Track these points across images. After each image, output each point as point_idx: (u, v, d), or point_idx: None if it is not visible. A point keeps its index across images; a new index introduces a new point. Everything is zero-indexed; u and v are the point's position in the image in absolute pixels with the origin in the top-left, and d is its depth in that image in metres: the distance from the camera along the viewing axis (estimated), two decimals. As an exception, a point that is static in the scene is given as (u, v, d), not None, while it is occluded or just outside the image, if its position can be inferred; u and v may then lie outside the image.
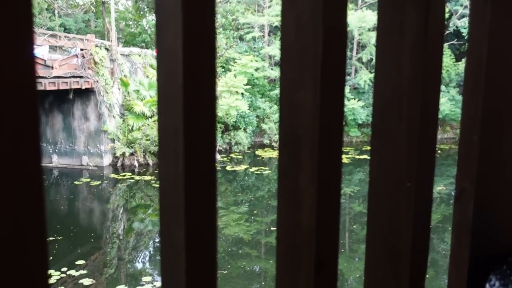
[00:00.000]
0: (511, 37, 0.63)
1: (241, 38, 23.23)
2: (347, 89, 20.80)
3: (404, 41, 0.57)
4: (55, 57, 14.27)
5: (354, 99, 20.37)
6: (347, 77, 22.48)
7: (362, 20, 20.23)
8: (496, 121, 0.66)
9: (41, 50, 14.00)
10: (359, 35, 21.73)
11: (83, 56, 14.91)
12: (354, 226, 10.96)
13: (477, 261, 0.68)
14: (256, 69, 20.01)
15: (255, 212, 12.08)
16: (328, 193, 0.51)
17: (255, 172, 15.51)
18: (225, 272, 8.71)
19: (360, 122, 20.36)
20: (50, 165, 15.66)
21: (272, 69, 21.16)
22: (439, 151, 18.79)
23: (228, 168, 16.03)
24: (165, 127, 0.43)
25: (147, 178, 14.36)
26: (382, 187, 0.59)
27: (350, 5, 22.13)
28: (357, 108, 19.76)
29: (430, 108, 0.58)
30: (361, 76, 21.25)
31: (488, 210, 0.67)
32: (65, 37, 15.39)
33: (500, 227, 0.69)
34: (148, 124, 15.60)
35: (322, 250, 0.50)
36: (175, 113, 0.41)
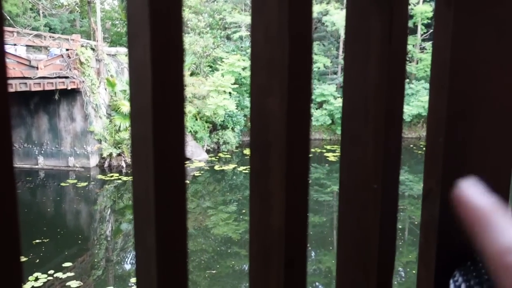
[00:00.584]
0: (473, 43, 0.66)
1: (228, 38, 23.23)
2: (333, 88, 20.94)
3: (370, 47, 0.60)
4: (39, 58, 14.10)
5: (341, 97, 20.45)
6: (334, 76, 22.66)
7: (348, 19, 20.31)
8: (460, 124, 0.69)
9: (18, 50, 13.81)
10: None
11: (69, 56, 14.77)
12: (342, 224, 11.02)
13: (444, 258, 0.71)
14: (244, 69, 20.02)
15: (244, 211, 12.11)
16: (297, 195, 0.53)
17: (243, 171, 15.53)
18: (214, 271, 8.73)
19: (347, 120, 20.46)
20: (36, 166, 15.50)
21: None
22: (424, 148, 18.98)
23: (217, 167, 16.02)
24: (136, 136, 0.45)
25: (135, 178, 14.26)
26: (350, 188, 0.62)
27: (335, 4, 22.29)
28: (344, 106, 19.84)
29: (395, 112, 0.61)
30: (348, 75, 21.37)
31: (454, 209, 0.70)
32: (50, 37, 15.23)
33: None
34: (135, 125, 15.48)
35: (291, 250, 0.53)
36: (145, 121, 0.43)
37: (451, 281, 0.63)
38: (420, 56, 22.75)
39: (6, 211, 0.36)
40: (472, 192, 0.19)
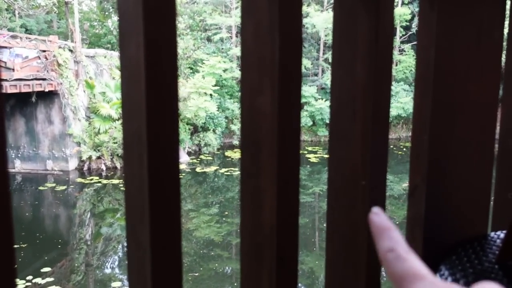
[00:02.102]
0: (456, 43, 0.68)
1: (208, 39, 23.17)
2: (314, 89, 21.08)
3: (358, 48, 0.61)
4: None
5: (322, 99, 20.66)
6: (315, 77, 22.82)
7: (328, 21, 20.56)
8: (444, 122, 0.71)
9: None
10: (325, 35, 22.07)
11: (46, 58, 14.51)
12: (324, 225, 11.13)
13: (430, 254, 0.72)
14: (224, 70, 20.00)
15: (226, 213, 12.08)
16: (288, 193, 0.54)
17: (225, 173, 15.50)
18: (196, 274, 8.67)
19: (327, 121, 20.66)
20: (13, 170, 15.15)
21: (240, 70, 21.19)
22: (404, 149, 19.34)
23: (198, 169, 15.95)
24: (129, 132, 0.44)
25: (115, 181, 14.10)
26: (339, 185, 0.63)
27: (316, 7, 22.47)
28: (325, 107, 20.04)
29: (382, 110, 0.62)
30: (328, 76, 21.58)
31: (439, 205, 0.72)
32: (26, 38, 14.93)
33: (451, 221, 0.74)
34: (115, 127, 15.32)
35: (283, 247, 0.53)
36: (139, 119, 0.43)
37: (437, 275, 0.64)
38: (399, 58, 23.10)
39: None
40: (378, 216, 0.30)
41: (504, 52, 0.85)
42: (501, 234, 0.75)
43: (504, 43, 0.83)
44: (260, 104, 0.52)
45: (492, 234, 0.76)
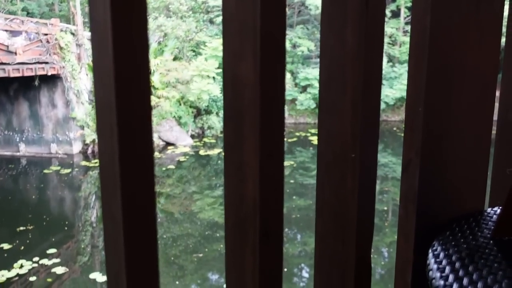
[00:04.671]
0: (452, 9, 0.65)
1: (211, 21, 22.93)
2: (317, 72, 20.87)
3: (347, 12, 0.58)
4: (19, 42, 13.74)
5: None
6: (318, 60, 22.51)
7: None
8: (440, 92, 0.68)
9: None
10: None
11: (48, 41, 14.43)
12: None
13: (423, 229, 0.70)
14: (227, 52, 19.77)
15: (230, 195, 12.10)
16: (272, 166, 0.51)
17: (229, 155, 15.46)
18: (201, 255, 8.76)
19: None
20: (18, 154, 15.23)
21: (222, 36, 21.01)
22: (402, 135, 19.20)
23: (201, 152, 15.97)
24: (99, 102, 0.42)
25: (119, 164, 14.13)
26: (329, 158, 0.60)
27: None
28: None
29: (373, 80, 0.59)
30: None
31: (433, 179, 0.70)
32: (28, 21, 14.83)
33: (445, 196, 0.71)
34: (119, 110, 15.27)
35: (267, 221, 0.51)
36: (108, 87, 0.41)
37: (429, 250, 0.62)
38: (403, 39, 22.79)
39: None
40: None
41: (505, 22, 0.81)
42: (498, 210, 0.73)
43: (506, 13, 0.79)
44: (242, 71, 0.50)
45: (489, 210, 0.74)
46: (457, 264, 0.55)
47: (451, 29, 0.67)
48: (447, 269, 0.54)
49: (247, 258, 0.52)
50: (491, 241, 0.62)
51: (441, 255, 0.59)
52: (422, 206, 0.70)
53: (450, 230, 0.67)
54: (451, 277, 0.52)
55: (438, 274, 0.53)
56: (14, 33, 13.70)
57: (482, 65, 0.69)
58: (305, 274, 8.36)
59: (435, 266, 0.56)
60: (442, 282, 0.51)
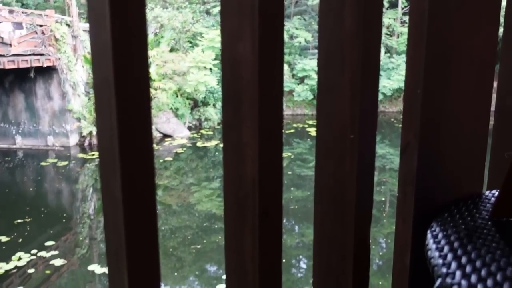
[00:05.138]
0: (451, -9, 0.64)
1: (207, 12, 22.80)
2: (315, 63, 20.82)
3: None
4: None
5: (323, 72, 20.40)
6: (315, 51, 22.49)
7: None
8: (438, 75, 0.68)
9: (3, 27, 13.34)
10: None
11: (43, 33, 14.32)
12: (325, 197, 11.16)
13: (422, 212, 0.71)
14: (224, 44, 19.67)
15: (227, 187, 12.11)
16: (271, 145, 0.51)
17: (226, 147, 15.46)
18: (199, 246, 8.78)
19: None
20: (14, 146, 15.18)
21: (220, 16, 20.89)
22: (400, 126, 19.22)
23: (199, 144, 15.96)
24: (98, 80, 0.42)
25: (117, 157, 14.10)
26: (327, 140, 0.60)
27: (317, -23, 21.98)
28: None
29: (372, 61, 0.59)
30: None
31: (431, 162, 0.70)
32: (22, 12, 14.71)
33: (443, 179, 0.71)
34: (115, 102, 15.20)
35: (266, 201, 0.51)
36: (106, 64, 0.40)
37: (428, 231, 0.63)
38: (401, 30, 22.72)
39: None
40: None
41: (504, 3, 0.81)
42: (496, 193, 0.73)
43: (504, 3, 0.79)
44: (241, 52, 0.49)
45: (487, 192, 0.74)
46: (456, 244, 0.55)
47: (449, 13, 0.66)
48: (446, 248, 0.54)
49: (246, 238, 0.52)
50: (489, 222, 0.62)
51: (440, 235, 0.59)
52: (421, 189, 0.70)
53: (449, 212, 0.67)
54: (449, 256, 0.52)
55: (436, 254, 0.54)
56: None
57: (480, 50, 0.69)
58: (303, 265, 8.40)
59: (433, 246, 0.56)
60: (440, 261, 0.51)
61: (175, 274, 7.89)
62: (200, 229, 9.74)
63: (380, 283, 7.05)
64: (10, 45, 12.87)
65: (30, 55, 13.60)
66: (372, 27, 0.58)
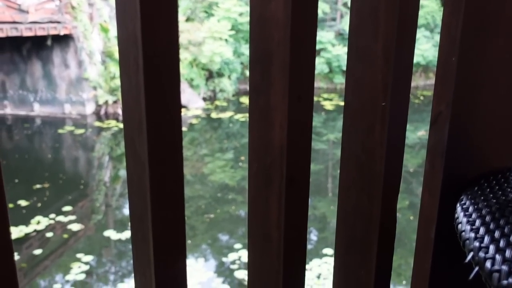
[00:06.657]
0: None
1: (224, -19, 22.37)
2: (332, 35, 20.46)
3: None
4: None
5: (339, 45, 20.07)
6: (332, 23, 22.05)
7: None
8: (475, 42, 0.64)
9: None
10: (346, -23, 21.12)
11: (60, 0, 14.26)
12: (338, 171, 11.17)
13: (450, 184, 0.69)
14: (240, 14, 19.43)
15: (241, 158, 12.19)
16: (300, 109, 0.49)
17: (240, 119, 15.48)
18: (212, 216, 8.91)
19: (344, 68, 20.21)
20: (32, 113, 15.39)
21: None
22: (421, 97, 18.96)
23: (213, 115, 15.96)
24: (124, 38, 0.40)
25: (132, 126, 14.21)
26: (356, 108, 0.58)
27: None
28: (342, 54, 19.50)
29: (408, 26, 0.56)
30: (346, 21, 20.84)
31: (463, 133, 0.67)
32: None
33: (474, 151, 0.69)
34: (131, 71, 15.21)
35: (293, 168, 0.50)
36: (134, 21, 0.38)
37: (458, 204, 0.61)
38: (421, 3, 22.05)
39: None
40: None
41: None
42: (528, 167, 0.70)
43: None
44: (272, 11, 0.47)
45: None
46: (488, 218, 0.53)
47: None
48: (478, 222, 0.52)
49: (272, 205, 0.51)
50: None
51: (470, 208, 0.57)
52: (450, 161, 0.68)
53: (478, 185, 0.65)
54: (482, 230, 0.50)
55: (468, 227, 0.52)
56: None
57: None
58: (313, 237, 8.48)
59: (464, 220, 0.54)
60: (472, 235, 0.50)
61: (188, 242, 8.04)
62: (213, 199, 9.85)
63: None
64: (27, 12, 12.86)
65: (47, 22, 13.59)
66: (410, -12, 0.55)
